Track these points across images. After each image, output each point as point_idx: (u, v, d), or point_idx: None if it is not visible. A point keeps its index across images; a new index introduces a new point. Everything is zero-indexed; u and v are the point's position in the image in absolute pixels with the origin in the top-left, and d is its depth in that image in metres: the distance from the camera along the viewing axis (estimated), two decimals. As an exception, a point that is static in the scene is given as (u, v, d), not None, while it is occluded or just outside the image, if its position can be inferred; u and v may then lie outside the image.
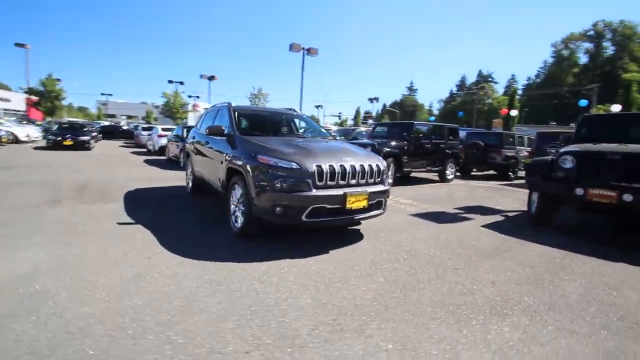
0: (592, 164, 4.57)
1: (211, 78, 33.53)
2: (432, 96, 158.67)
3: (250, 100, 32.98)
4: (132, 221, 4.48)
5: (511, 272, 3.28)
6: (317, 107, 63.93)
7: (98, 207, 5.21)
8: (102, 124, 32.76)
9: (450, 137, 10.68)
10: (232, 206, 4.08)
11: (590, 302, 2.73)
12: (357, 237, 4.22)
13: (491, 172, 12.63)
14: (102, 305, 2.32)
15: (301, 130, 5.47)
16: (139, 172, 9.64)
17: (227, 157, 4.27)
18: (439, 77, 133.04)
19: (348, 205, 3.54)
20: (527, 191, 5.76)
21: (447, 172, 10.38)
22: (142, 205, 5.40)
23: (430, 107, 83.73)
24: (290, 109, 6.11)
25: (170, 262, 3.16)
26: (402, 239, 4.23)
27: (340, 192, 3.51)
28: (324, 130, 5.39)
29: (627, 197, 4.08)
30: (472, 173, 12.93)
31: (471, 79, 74.89)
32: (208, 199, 6.07)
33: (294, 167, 3.42)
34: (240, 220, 3.88)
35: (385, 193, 4.00)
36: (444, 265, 3.38)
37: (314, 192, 3.40)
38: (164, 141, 14.86)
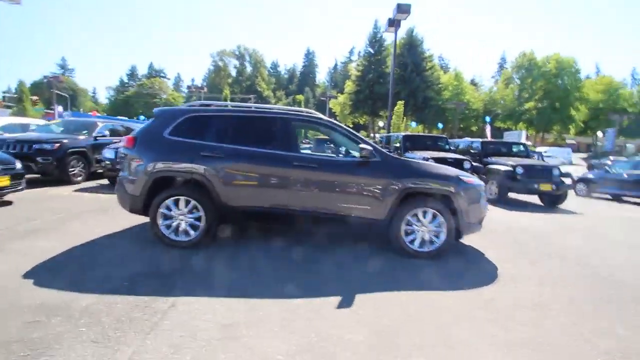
0: (530, 171, 8.51)
1: None
2: (97, 81, 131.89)
3: None
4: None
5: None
6: None
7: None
8: None
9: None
10: (406, 231, 3.98)
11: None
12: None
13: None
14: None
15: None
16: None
17: (395, 182, 3.91)
18: (104, 62, 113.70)
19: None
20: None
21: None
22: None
23: (94, 93, 70.85)
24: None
25: (441, 300, 3.22)
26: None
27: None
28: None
29: (554, 187, 8.42)
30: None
31: (142, 70, 71.63)
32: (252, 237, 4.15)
33: (482, 185, 4.34)
34: (434, 240, 4.00)
35: None
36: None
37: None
38: None
